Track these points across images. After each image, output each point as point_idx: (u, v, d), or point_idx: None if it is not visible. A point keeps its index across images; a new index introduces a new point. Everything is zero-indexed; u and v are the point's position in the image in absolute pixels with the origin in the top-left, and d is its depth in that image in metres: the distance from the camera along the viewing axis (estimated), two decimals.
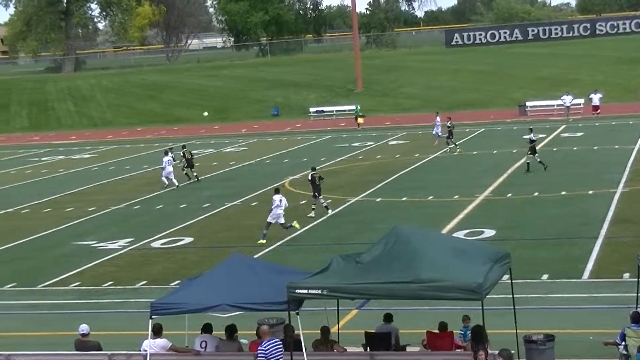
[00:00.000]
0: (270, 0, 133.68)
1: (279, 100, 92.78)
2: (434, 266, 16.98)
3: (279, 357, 17.41)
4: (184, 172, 50.26)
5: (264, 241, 33.86)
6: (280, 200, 34.71)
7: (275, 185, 43.25)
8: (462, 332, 19.61)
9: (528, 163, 46.30)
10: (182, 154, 51.02)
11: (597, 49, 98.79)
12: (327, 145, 64.20)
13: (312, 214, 38.33)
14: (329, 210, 38.64)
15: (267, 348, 17.40)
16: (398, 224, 19.50)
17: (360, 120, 75.54)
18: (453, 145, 55.71)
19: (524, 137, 51.16)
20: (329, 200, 40.58)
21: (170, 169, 49.15)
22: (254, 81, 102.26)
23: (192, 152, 52.41)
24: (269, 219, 34.49)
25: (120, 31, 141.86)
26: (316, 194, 38.58)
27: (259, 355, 17.46)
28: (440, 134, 58.85)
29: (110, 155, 56.60)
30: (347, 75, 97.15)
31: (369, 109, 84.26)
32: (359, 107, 79.55)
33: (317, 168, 40.84)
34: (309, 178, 39.02)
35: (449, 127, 55.61)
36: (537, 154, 46.50)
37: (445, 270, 16.87)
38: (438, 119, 59.73)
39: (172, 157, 49.63)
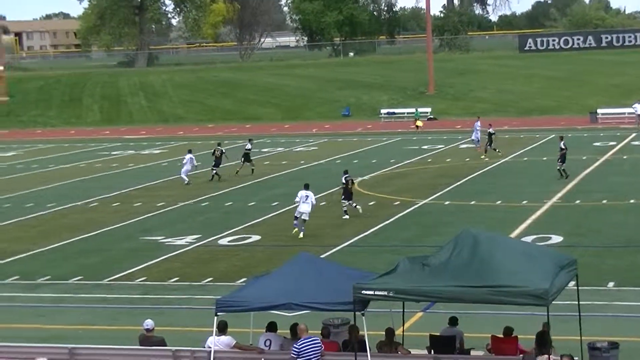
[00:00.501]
0: (345, 0, 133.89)
1: (351, 100, 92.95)
2: (501, 270, 17.05)
3: (310, 356, 17.69)
4: (213, 170, 50.94)
5: (301, 235, 35.11)
6: (307, 197, 35.40)
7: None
8: None
9: (563, 170, 46.24)
10: (212, 151, 51.80)
11: None
12: (397, 147, 64.27)
13: (347, 216, 38.65)
14: (359, 208, 38.80)
15: (300, 346, 17.75)
16: (466, 227, 19.61)
17: (419, 123, 75.45)
18: (493, 150, 55.59)
19: (594, 144, 50.77)
20: (397, 202, 40.72)
21: (188, 167, 50.22)
22: (326, 81, 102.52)
23: (224, 150, 52.13)
24: (296, 213, 35.61)
25: (194, 28, 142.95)
26: (345, 197, 38.90)
27: (292, 352, 17.79)
28: (479, 139, 58.59)
29: (181, 151, 57.19)
30: (419, 78, 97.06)
31: (440, 112, 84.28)
32: (418, 110, 79.49)
33: (349, 170, 40.52)
34: (343, 181, 39.20)
35: (490, 133, 55.63)
36: (565, 163, 46.32)
37: (512, 275, 16.91)
38: (478, 123, 59.52)
39: (192, 156, 50.61)
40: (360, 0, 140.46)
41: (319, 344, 17.95)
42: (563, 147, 46.35)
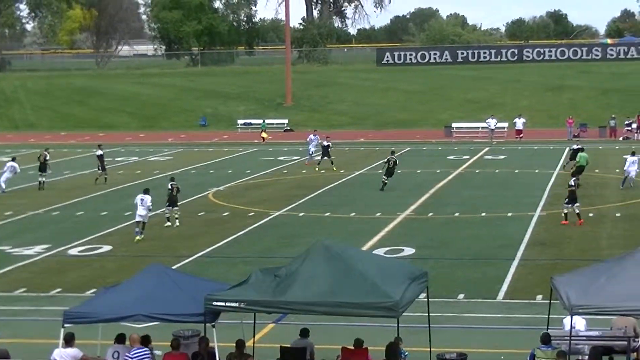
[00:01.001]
0: (204, 10, 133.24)
1: (208, 110, 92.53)
2: (352, 282, 17.11)
3: None
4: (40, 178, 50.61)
5: (138, 238, 35.94)
6: (142, 200, 36.11)
7: (199, 195, 43.14)
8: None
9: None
10: (38, 156, 51.63)
11: (523, 75, 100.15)
12: (253, 158, 64.17)
13: (169, 224, 38.97)
14: (177, 222, 39.05)
15: (133, 355, 17.91)
16: (319, 239, 19.57)
17: (264, 134, 75.71)
18: (330, 163, 56.39)
19: (448, 158, 51.38)
20: (252, 213, 40.64)
21: (8, 175, 49.72)
22: (183, 90, 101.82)
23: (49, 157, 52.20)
24: (136, 218, 36.30)
25: (49, 34, 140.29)
26: (169, 204, 39.26)
27: None
28: (313, 151, 59.10)
29: (31, 159, 55.75)
30: (278, 89, 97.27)
31: (297, 124, 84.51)
32: (266, 121, 79.82)
33: (175, 178, 41.10)
34: (169, 187, 39.58)
35: (324, 145, 56.36)
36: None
37: (363, 286, 17.00)
38: (312, 136, 60.19)
39: (15, 164, 50.12)
40: (220, 11, 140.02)
41: (149, 356, 18.05)
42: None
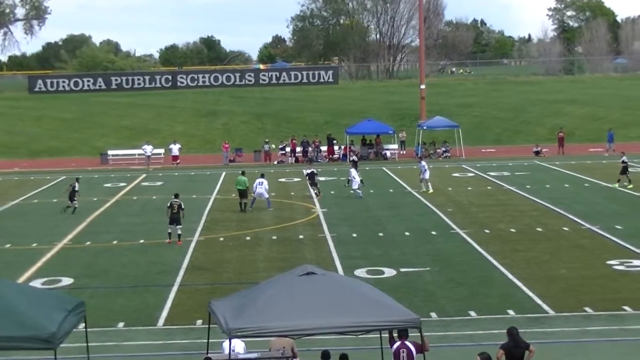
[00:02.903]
0: None
1: None
2: (4, 315, 16.64)
3: None
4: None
5: None
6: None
7: None
8: None
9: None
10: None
11: (177, 101, 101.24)
12: None
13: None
14: None
15: None
16: None
17: None
18: None
19: (105, 185, 51.00)
20: None
21: None
22: None
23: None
24: None
25: None
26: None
27: None
28: None
29: None
30: None
31: None
32: None
33: None
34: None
35: None
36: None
37: (16, 319, 16.62)
38: None
39: None
40: None
41: None
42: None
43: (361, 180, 52.13)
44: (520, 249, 36.70)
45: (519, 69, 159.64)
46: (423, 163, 54.31)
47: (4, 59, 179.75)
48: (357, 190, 51.60)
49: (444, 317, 27.02)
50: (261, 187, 48.16)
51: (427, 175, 53.27)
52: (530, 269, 33.10)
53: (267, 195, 48.44)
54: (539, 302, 28.41)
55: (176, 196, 40.99)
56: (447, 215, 44.99)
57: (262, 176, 49.06)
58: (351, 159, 52.13)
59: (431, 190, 52.79)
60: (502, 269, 33.06)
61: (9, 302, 17.04)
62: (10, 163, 74.30)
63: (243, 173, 49.64)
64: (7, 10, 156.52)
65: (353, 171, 52.54)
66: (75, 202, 48.79)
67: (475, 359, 17.80)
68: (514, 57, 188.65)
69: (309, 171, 54.25)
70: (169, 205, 40.33)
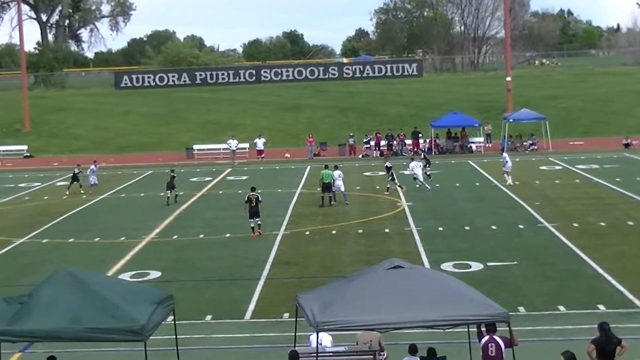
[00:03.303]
0: None
1: None
2: (97, 308, 16.89)
3: None
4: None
5: None
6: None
7: None
8: None
9: None
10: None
11: (261, 95, 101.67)
12: None
13: None
14: None
15: None
16: (61, 265, 19.21)
17: None
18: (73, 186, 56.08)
19: (191, 180, 51.46)
20: None
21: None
22: None
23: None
24: None
25: None
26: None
27: None
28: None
29: None
30: (15, 115, 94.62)
31: (37, 150, 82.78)
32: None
33: None
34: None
35: (75, 172, 56.07)
36: None
37: (107, 311, 16.82)
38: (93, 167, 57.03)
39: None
40: None
41: None
42: None
43: (426, 172, 52.58)
44: (610, 243, 36.13)
45: (607, 59, 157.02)
46: (505, 155, 54.68)
47: (91, 55, 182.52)
48: (424, 184, 51.73)
49: (533, 311, 26.69)
50: (340, 179, 48.23)
51: (508, 167, 53.13)
52: (620, 263, 32.55)
53: (343, 188, 48.42)
54: (631, 297, 27.89)
55: (253, 189, 41.16)
56: (535, 209, 44.48)
57: (337, 168, 49.18)
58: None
59: (510, 182, 52.45)
60: (592, 263, 32.56)
61: (101, 295, 17.23)
62: (98, 158, 75.23)
63: (326, 167, 49.61)
64: (93, 7, 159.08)
65: (413, 164, 52.70)
66: (175, 189, 50.19)
67: (559, 359, 17.52)
68: (602, 47, 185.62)
69: (388, 164, 53.79)
70: (246, 199, 40.50)
